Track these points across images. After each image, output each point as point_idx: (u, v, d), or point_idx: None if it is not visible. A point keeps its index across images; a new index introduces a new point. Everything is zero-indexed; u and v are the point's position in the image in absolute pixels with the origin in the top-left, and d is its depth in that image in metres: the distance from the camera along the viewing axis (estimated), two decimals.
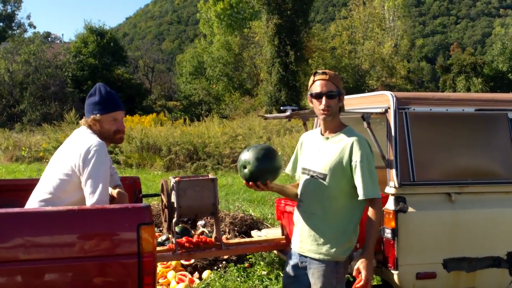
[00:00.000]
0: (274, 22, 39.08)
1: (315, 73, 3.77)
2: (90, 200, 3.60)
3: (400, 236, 4.48)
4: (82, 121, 4.00)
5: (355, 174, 3.62)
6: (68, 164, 3.73)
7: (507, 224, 4.74)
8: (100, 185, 3.63)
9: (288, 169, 4.18)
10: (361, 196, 3.60)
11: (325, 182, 3.70)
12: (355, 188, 3.65)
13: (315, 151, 3.78)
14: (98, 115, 3.91)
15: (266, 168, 3.70)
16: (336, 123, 3.79)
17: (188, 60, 55.81)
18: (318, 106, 3.71)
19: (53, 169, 3.85)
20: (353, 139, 3.68)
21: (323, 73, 3.72)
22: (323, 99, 3.67)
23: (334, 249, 3.70)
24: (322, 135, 3.84)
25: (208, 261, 6.89)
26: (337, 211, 3.71)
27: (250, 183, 3.70)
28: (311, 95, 3.75)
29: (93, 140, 3.77)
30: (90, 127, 3.94)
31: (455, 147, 4.86)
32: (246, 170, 3.70)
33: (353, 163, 3.63)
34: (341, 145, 3.68)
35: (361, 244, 4.55)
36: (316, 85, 3.73)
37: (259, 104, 39.09)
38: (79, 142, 3.79)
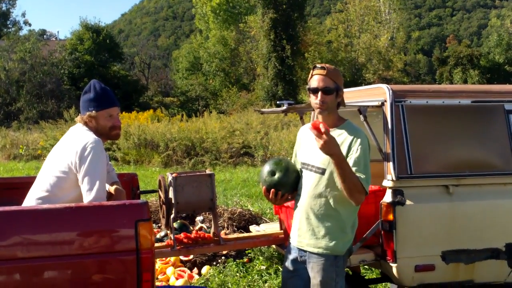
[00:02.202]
0: (270, 17, 39.11)
1: (314, 67, 3.76)
2: (87, 197, 3.60)
3: (398, 229, 4.48)
4: (78, 118, 4.01)
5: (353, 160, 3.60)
6: (65, 162, 3.73)
7: (505, 215, 4.75)
8: (97, 182, 3.63)
9: None
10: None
11: (323, 176, 3.70)
12: None
13: (314, 146, 3.76)
14: (93, 111, 3.91)
15: (293, 181, 3.86)
16: (334, 118, 3.78)
17: (184, 56, 55.83)
18: (314, 101, 3.71)
19: (49, 167, 3.85)
20: (352, 133, 3.68)
21: (322, 67, 3.69)
22: (319, 94, 3.66)
23: (333, 243, 3.70)
24: None
25: (207, 256, 6.90)
26: (336, 205, 3.69)
27: (272, 190, 3.80)
28: (309, 89, 3.75)
29: (89, 137, 3.77)
30: (86, 124, 3.95)
31: (452, 139, 4.85)
32: (275, 177, 3.81)
33: (349, 157, 3.62)
34: (339, 139, 3.66)
35: (359, 238, 4.57)
36: (314, 79, 3.72)
37: (256, 99, 39.10)
38: (75, 139, 3.79)
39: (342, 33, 47.66)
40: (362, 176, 3.54)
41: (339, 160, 3.48)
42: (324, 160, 3.67)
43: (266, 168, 3.88)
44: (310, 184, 3.77)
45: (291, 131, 18.56)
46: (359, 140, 3.64)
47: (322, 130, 3.41)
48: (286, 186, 3.83)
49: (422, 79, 69.38)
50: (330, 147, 3.42)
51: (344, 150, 3.62)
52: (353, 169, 3.55)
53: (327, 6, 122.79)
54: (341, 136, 3.69)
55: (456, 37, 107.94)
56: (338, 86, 3.70)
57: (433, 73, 66.00)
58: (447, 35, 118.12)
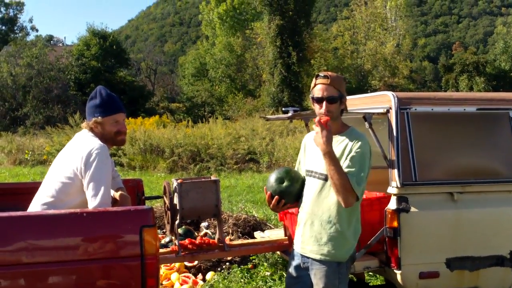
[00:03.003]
0: (276, 23, 39.14)
1: (317, 76, 3.76)
2: (92, 203, 3.61)
3: (403, 236, 4.48)
4: (84, 124, 4.02)
5: (344, 168, 3.59)
6: (70, 167, 3.75)
7: (510, 222, 4.74)
8: (102, 188, 3.64)
9: None
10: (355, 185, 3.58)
11: (327, 183, 3.70)
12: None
13: (318, 152, 3.77)
14: (99, 117, 3.93)
15: (297, 192, 3.90)
16: (338, 125, 3.78)
17: (191, 62, 55.86)
18: (319, 110, 3.71)
19: (55, 172, 3.87)
20: (354, 138, 3.69)
21: (325, 76, 3.69)
22: (324, 104, 3.67)
23: (335, 250, 3.70)
24: None
25: (212, 262, 6.90)
26: (338, 212, 3.69)
27: (276, 197, 3.83)
28: (312, 98, 3.76)
29: (95, 143, 3.78)
30: (92, 129, 3.96)
31: (457, 146, 4.86)
32: (283, 185, 3.86)
33: (347, 157, 3.63)
34: (342, 146, 3.68)
35: (363, 244, 4.57)
36: (317, 88, 3.71)
37: (261, 105, 39.11)
38: (81, 145, 3.81)
39: (348, 40, 47.63)
40: (353, 177, 3.55)
41: (326, 152, 3.54)
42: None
43: (275, 175, 3.91)
44: (314, 191, 3.77)
45: (297, 138, 18.54)
46: (359, 143, 3.65)
47: (315, 121, 3.55)
48: (290, 196, 3.86)
49: (428, 86, 69.27)
50: (321, 138, 3.54)
51: (345, 154, 3.64)
52: (347, 169, 3.57)
53: (333, 13, 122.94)
54: (344, 142, 3.70)
55: (462, 44, 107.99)
56: (341, 93, 3.70)
57: (439, 80, 65.83)
58: (453, 42, 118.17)
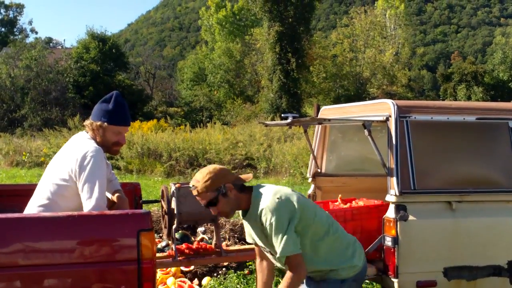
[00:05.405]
0: (276, 30, 39.19)
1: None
2: (87, 205, 3.60)
3: (401, 244, 4.47)
4: (87, 122, 3.99)
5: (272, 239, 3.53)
6: (65, 170, 3.73)
7: (508, 232, 4.74)
8: (97, 190, 3.62)
9: None
10: (278, 255, 3.51)
11: (276, 255, 3.60)
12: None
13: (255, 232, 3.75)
14: (106, 123, 3.91)
15: None
16: (241, 205, 3.69)
17: (189, 67, 55.91)
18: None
19: (50, 175, 3.85)
20: (258, 209, 3.58)
21: (193, 187, 3.57)
22: (210, 209, 3.65)
23: (334, 272, 3.71)
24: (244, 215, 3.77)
25: (208, 267, 6.88)
26: (312, 262, 3.67)
27: None
28: None
29: (90, 145, 3.77)
30: (92, 130, 3.94)
31: (456, 155, 4.85)
32: None
33: (267, 231, 3.54)
34: (256, 222, 3.62)
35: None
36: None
37: (260, 111, 39.13)
38: (76, 147, 3.80)
39: (347, 48, 47.59)
40: (283, 250, 3.48)
41: None
42: (265, 243, 3.68)
43: None
44: (277, 265, 3.81)
45: (294, 144, 18.54)
46: (265, 215, 3.54)
47: None
48: None
49: (426, 94, 69.31)
50: None
51: (264, 230, 3.58)
52: (276, 246, 3.51)
53: (333, 20, 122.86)
54: (255, 217, 3.62)
55: (460, 53, 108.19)
56: (218, 190, 3.56)
57: (437, 89, 66.04)
58: (451, 51, 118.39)
